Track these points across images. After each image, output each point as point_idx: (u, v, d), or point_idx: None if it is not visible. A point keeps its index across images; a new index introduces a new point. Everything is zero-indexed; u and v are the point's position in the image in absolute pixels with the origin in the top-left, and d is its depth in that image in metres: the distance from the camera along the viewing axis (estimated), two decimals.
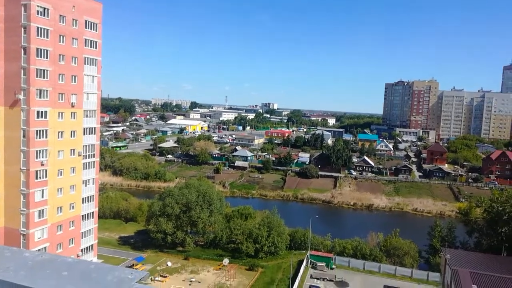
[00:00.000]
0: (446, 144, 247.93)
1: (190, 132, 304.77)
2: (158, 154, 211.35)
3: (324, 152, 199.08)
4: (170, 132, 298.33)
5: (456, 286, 48.49)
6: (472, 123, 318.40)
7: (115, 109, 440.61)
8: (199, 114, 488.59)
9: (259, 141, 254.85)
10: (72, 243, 65.91)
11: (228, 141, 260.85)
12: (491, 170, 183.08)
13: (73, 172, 65.03)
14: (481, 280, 48.57)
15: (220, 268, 76.88)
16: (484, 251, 71.55)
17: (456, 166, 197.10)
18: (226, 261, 77.65)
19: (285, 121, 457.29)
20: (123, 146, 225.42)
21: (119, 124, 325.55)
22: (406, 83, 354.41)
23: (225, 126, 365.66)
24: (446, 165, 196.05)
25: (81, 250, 67.78)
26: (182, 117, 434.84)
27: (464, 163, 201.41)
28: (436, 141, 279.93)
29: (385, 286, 69.85)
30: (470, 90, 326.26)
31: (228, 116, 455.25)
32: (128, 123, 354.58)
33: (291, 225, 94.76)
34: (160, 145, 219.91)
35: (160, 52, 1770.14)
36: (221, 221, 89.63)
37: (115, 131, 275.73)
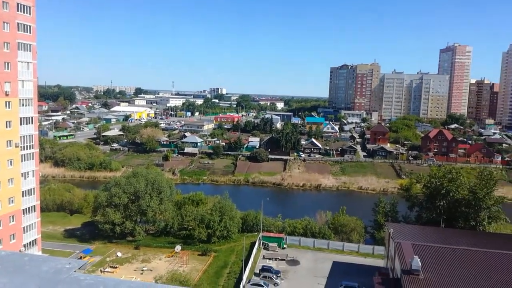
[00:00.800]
0: (388, 125, 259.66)
1: (136, 120, 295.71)
2: (102, 143, 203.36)
3: (273, 136, 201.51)
4: (115, 119, 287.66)
5: (399, 258, 51.41)
6: (411, 103, 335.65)
7: (54, 97, 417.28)
8: (145, 101, 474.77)
9: (208, 126, 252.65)
10: (13, 239, 62.31)
11: (177, 127, 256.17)
12: (430, 148, 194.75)
13: (11, 164, 61.00)
14: (422, 251, 51.81)
15: (172, 255, 76.14)
16: (424, 224, 76.20)
17: (397, 145, 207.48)
18: (178, 248, 76.98)
19: (234, 106, 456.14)
20: (69, 135, 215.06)
21: (59, 113, 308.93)
22: (350, 67, 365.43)
23: (172, 113, 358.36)
24: (388, 144, 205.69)
25: (24, 246, 64.27)
26: (127, 104, 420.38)
27: (405, 142, 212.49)
28: (379, 122, 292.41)
29: (334, 262, 72.67)
30: (410, 73, 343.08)
31: (176, 102, 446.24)
32: (68, 112, 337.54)
33: (243, 208, 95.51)
34: (104, 134, 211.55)
35: (101, 35, 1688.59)
36: (172, 208, 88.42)
37: (54, 120, 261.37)
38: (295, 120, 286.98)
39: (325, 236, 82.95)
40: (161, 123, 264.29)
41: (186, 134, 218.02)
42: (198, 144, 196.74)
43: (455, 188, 73.10)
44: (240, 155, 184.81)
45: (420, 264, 46.75)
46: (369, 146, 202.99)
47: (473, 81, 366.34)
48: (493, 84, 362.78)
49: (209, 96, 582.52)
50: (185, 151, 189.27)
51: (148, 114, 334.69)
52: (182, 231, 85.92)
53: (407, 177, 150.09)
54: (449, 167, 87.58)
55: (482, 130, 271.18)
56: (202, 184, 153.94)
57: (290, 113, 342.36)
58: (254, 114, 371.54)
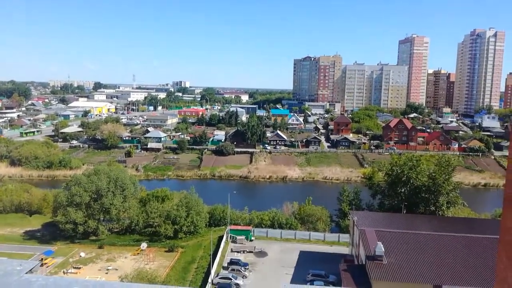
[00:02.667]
0: (350, 115, 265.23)
1: (96, 115, 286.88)
2: (61, 140, 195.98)
3: (239, 128, 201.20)
4: (73, 115, 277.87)
5: (364, 244, 52.66)
6: (372, 94, 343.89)
7: (7, 93, 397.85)
8: (105, 95, 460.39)
9: (172, 121, 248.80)
10: None
11: (139, 122, 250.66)
12: (390, 137, 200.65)
13: None
14: (385, 237, 53.30)
15: (138, 253, 74.62)
16: (386, 211, 78.49)
17: (360, 135, 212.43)
18: (144, 245, 75.52)
19: (199, 99, 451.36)
20: (37, 131, 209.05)
21: (14, 110, 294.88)
22: (313, 59, 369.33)
23: (134, 107, 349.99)
24: (351, 134, 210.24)
25: None
26: (86, 99, 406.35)
27: (367, 132, 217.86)
28: (342, 113, 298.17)
29: (301, 252, 73.63)
30: (371, 64, 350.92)
31: (137, 96, 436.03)
32: (24, 108, 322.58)
33: (210, 202, 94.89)
34: (62, 131, 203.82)
35: (56, 28, 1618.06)
36: (136, 205, 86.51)
37: (9, 118, 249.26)
38: (260, 113, 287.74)
39: (292, 227, 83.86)
40: (122, 118, 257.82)
41: (149, 129, 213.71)
42: (162, 139, 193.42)
43: (415, 175, 75.56)
44: (206, 149, 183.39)
45: (383, 250, 48.09)
46: (332, 136, 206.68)
47: (430, 71, 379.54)
48: (449, 74, 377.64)
49: (172, 89, 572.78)
50: (148, 146, 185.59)
51: (108, 109, 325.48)
52: (147, 228, 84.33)
53: (369, 166, 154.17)
54: (409, 155, 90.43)
55: (440, 119, 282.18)
56: (167, 179, 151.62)
57: (255, 106, 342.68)
58: (219, 108, 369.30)
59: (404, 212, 74.52)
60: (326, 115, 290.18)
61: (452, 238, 54.09)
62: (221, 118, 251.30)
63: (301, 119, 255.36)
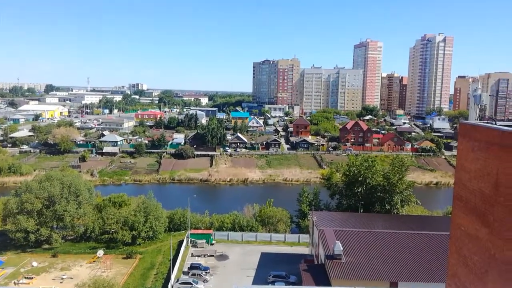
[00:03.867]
0: (309, 118, 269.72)
1: (48, 119, 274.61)
2: (10, 145, 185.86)
3: (199, 131, 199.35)
4: (23, 119, 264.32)
5: (323, 244, 53.50)
6: (330, 97, 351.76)
7: None
8: (57, 98, 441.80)
9: (129, 124, 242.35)
10: None
11: (94, 126, 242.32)
12: (347, 138, 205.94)
13: None
14: (343, 236, 54.41)
15: (94, 261, 71.93)
16: (344, 210, 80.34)
17: (318, 137, 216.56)
18: (100, 252, 72.90)
19: (157, 102, 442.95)
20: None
21: None
22: (271, 62, 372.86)
23: (88, 110, 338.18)
24: (310, 136, 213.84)
25: None
26: (37, 102, 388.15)
27: (325, 133, 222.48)
28: (300, 115, 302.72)
29: (262, 253, 73.78)
30: (327, 67, 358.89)
31: (92, 99, 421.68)
32: None
33: (170, 207, 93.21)
34: (12, 135, 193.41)
35: (3, 27, 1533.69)
36: (92, 212, 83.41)
37: None
38: (220, 115, 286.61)
39: (253, 229, 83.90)
40: (76, 122, 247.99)
41: (104, 132, 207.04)
42: (118, 142, 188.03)
43: (371, 175, 77.86)
44: (165, 153, 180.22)
45: (342, 249, 49.04)
46: (292, 138, 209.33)
47: (384, 74, 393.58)
48: (402, 77, 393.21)
49: (129, 92, 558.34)
50: (104, 150, 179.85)
51: (61, 113, 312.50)
52: (104, 235, 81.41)
53: (328, 167, 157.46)
54: (365, 156, 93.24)
55: (393, 120, 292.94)
56: (124, 184, 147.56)
57: (215, 109, 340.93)
58: (178, 110, 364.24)
59: (361, 211, 76.58)
60: (285, 118, 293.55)
61: (407, 236, 56.09)
62: (180, 121, 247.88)
63: (261, 121, 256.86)
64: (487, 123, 17.77)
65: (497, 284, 15.22)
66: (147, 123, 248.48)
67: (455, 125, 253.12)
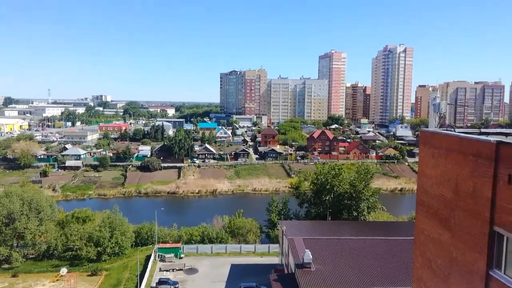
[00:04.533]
0: (277, 127, 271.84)
1: (7, 133, 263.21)
2: None
3: (165, 143, 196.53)
4: None
5: (293, 253, 53.59)
6: (297, 107, 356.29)
7: None
8: (17, 111, 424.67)
9: (92, 137, 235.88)
10: None
11: (55, 139, 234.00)
12: (315, 147, 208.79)
13: None
14: (312, 244, 54.73)
15: (57, 280, 68.89)
16: (313, 219, 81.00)
17: (286, 147, 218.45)
18: (63, 270, 69.92)
19: (121, 114, 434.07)
20: None
21: None
22: (238, 73, 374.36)
23: (50, 123, 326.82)
24: (278, 146, 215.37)
25: None
26: None
27: (293, 143, 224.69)
28: (268, 125, 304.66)
29: (232, 265, 73.05)
30: (294, 78, 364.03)
31: (53, 111, 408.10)
32: None
33: (136, 221, 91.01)
34: None
35: None
36: (54, 229, 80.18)
37: None
38: (188, 126, 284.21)
39: (223, 241, 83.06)
40: (36, 135, 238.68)
41: (67, 146, 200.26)
42: (82, 156, 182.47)
43: (338, 183, 79.07)
44: (130, 165, 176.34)
45: (311, 257, 49.28)
46: (260, 148, 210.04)
47: (348, 84, 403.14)
48: (366, 87, 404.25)
49: (92, 104, 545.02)
50: (66, 164, 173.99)
51: (21, 126, 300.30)
52: (67, 252, 78.29)
53: (296, 176, 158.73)
54: (332, 164, 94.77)
55: (358, 129, 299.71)
56: (89, 199, 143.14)
57: (182, 120, 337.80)
58: (144, 122, 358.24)
59: (329, 219, 77.44)
60: (253, 128, 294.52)
61: (374, 242, 57.10)
62: (146, 132, 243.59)
63: (229, 132, 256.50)
64: (446, 130, 18.46)
65: (459, 286, 15.66)
66: (112, 136, 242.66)
67: (416, 132, 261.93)
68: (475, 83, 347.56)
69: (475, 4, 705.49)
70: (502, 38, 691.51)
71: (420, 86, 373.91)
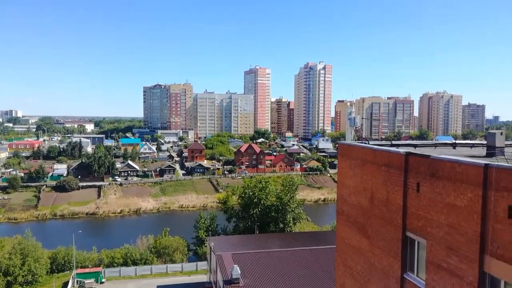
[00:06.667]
0: (204, 142, 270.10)
1: None
2: None
3: (84, 161, 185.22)
4: None
5: (221, 269, 52.89)
6: (223, 121, 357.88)
7: None
8: None
9: (1, 155, 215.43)
10: None
11: None
12: (242, 161, 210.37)
13: None
14: (241, 259, 54.51)
15: None
16: (241, 233, 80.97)
17: (213, 161, 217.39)
18: None
19: (34, 130, 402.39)
20: None
21: None
22: (163, 86, 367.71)
23: None
24: (205, 161, 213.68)
25: None
26: None
27: (220, 157, 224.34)
28: (195, 140, 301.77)
29: (158, 286, 70.25)
30: (220, 92, 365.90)
31: None
32: None
33: (52, 246, 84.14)
34: None
35: None
36: None
37: None
38: (108, 142, 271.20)
39: (148, 262, 79.64)
40: None
41: None
42: None
43: (265, 196, 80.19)
44: (44, 186, 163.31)
45: (239, 272, 48.96)
46: (187, 164, 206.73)
47: (273, 99, 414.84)
48: (289, 102, 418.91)
49: (1, 119, 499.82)
50: None
51: None
52: None
53: (224, 190, 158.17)
54: (259, 177, 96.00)
55: (284, 142, 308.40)
56: None
57: (102, 135, 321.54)
58: (60, 138, 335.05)
59: (257, 232, 77.98)
60: (180, 143, 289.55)
61: (301, 252, 58.41)
62: (62, 150, 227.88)
63: (154, 147, 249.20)
64: (362, 143, 19.53)
65: None
66: (23, 154, 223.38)
67: (337, 145, 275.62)
68: (388, 98, 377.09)
69: (383, 27, 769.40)
70: (409, 56, 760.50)
71: (339, 101, 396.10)
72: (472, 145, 21.43)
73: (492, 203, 10.44)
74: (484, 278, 10.94)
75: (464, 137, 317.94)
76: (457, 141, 21.89)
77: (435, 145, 20.92)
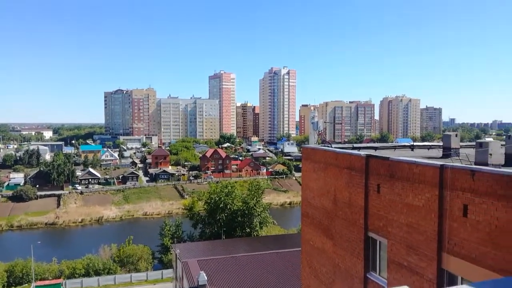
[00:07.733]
0: (168, 148, 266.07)
1: None
2: None
3: (42, 169, 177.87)
4: None
5: (187, 276, 52.14)
6: (188, 126, 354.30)
7: None
8: None
9: None
10: None
11: None
12: (208, 166, 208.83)
13: None
14: (208, 265, 53.95)
15: None
16: (208, 239, 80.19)
17: (178, 167, 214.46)
18: None
19: None
20: None
21: None
22: (125, 92, 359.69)
23: None
24: (170, 167, 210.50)
25: None
26: None
27: (185, 163, 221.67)
28: (159, 145, 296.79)
29: None
30: (184, 97, 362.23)
31: None
32: None
33: (8, 259, 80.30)
34: None
35: None
36: None
37: None
38: (68, 150, 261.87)
39: (111, 271, 77.44)
40: None
41: None
42: None
43: (231, 201, 79.88)
44: (0, 196, 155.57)
45: (206, 279, 48.38)
46: (151, 170, 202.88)
47: (239, 104, 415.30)
48: (255, 106, 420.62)
49: None
50: None
51: None
52: None
53: (189, 196, 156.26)
54: (225, 182, 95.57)
55: (249, 147, 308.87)
56: None
57: (61, 143, 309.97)
58: (16, 146, 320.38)
59: (224, 237, 77.52)
60: (143, 149, 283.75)
61: (268, 256, 58.51)
62: (18, 158, 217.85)
63: (116, 154, 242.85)
64: (324, 146, 19.87)
65: None
66: None
67: (301, 148, 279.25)
68: (350, 102, 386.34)
69: (344, 34, 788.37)
70: (369, 61, 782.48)
71: (303, 105, 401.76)
72: (429, 147, 22.32)
73: (448, 202, 10.88)
74: (442, 275, 11.36)
75: (423, 139, 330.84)
76: (415, 143, 22.74)
77: (395, 148, 21.62)
